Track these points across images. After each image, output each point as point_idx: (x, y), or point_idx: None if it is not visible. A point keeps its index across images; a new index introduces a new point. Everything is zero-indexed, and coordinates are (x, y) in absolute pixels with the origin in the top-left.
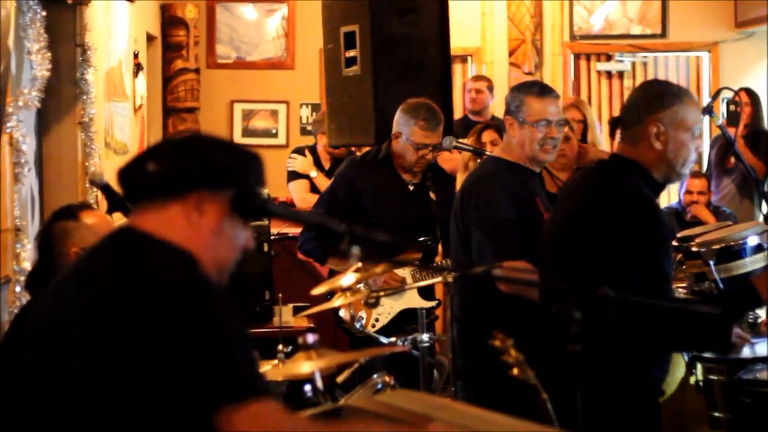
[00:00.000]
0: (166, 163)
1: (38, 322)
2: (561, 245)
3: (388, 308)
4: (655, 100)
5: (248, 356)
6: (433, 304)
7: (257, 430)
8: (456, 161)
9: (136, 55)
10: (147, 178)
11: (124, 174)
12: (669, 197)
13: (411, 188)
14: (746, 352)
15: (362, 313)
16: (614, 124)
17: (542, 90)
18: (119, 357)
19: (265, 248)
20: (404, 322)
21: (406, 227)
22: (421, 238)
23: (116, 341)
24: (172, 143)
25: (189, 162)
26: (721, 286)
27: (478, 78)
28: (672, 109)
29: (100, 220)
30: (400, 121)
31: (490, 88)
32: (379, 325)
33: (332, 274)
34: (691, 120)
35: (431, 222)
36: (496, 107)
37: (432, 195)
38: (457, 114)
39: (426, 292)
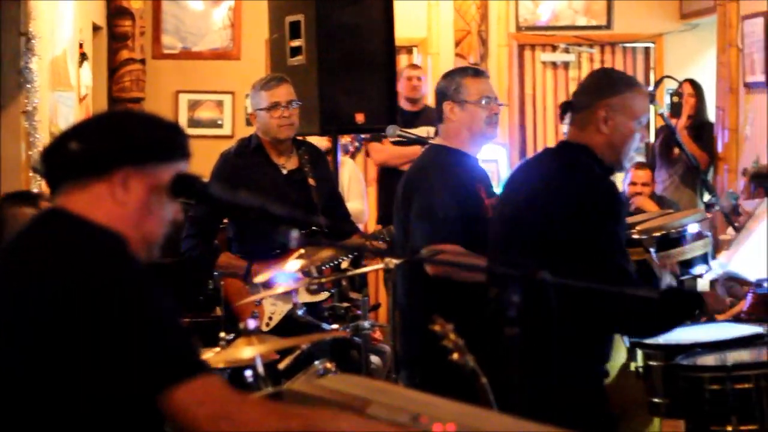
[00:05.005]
0: (89, 142)
1: None
2: (514, 230)
3: (281, 307)
4: (606, 86)
5: (183, 336)
6: (323, 297)
7: (204, 407)
8: (386, 152)
9: (81, 45)
10: (71, 158)
11: (48, 155)
12: None
13: (284, 172)
14: (685, 338)
15: (256, 312)
16: (565, 108)
17: (476, 71)
18: (50, 343)
19: None
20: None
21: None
22: (308, 229)
23: (46, 328)
24: (94, 121)
25: (112, 139)
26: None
27: (416, 66)
28: (622, 95)
29: None
30: (251, 103)
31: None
32: (272, 324)
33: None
34: (638, 108)
35: (313, 209)
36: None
37: (311, 181)
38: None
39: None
